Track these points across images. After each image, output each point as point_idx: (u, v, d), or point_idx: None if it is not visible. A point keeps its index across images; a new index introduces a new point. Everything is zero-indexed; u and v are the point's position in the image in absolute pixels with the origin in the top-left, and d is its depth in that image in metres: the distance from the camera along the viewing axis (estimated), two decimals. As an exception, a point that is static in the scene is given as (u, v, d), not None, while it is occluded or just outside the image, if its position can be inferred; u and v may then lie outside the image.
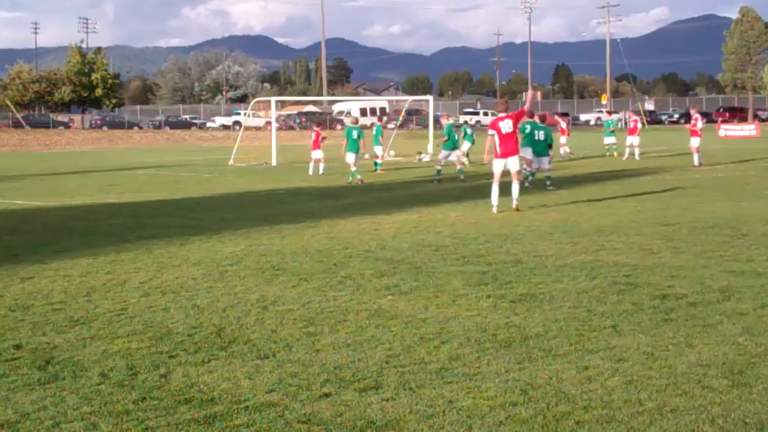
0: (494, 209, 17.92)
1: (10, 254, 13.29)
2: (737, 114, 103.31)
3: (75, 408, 6.24)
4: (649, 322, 8.41)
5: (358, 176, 26.92)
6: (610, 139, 40.55)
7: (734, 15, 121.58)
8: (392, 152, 42.05)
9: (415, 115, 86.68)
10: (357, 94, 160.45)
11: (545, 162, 24.59)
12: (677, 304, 9.12)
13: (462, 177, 27.57)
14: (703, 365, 6.97)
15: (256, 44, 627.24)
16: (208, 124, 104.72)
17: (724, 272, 10.85)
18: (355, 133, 27.25)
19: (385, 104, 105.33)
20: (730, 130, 67.56)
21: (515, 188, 18.20)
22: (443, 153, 27.73)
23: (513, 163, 18.20)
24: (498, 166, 18.22)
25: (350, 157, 27.23)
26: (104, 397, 6.48)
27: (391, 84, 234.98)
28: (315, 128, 34.94)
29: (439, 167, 27.72)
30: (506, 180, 18.33)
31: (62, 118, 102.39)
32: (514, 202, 18.14)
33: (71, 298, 9.99)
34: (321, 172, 30.61)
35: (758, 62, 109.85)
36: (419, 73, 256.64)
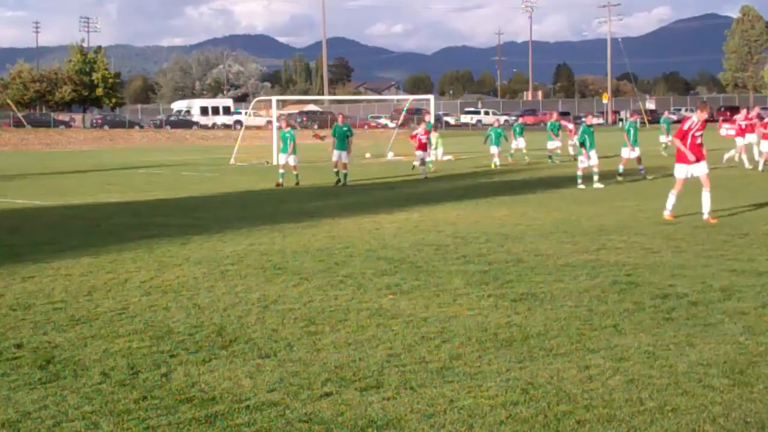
0: (668, 213, 16.40)
1: (11, 253, 13.31)
2: (738, 113, 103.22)
3: (76, 407, 6.24)
4: (650, 321, 8.41)
5: (280, 179, 26.32)
6: (665, 138, 39.61)
7: (735, 14, 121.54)
8: (391, 153, 42.03)
9: (417, 114, 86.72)
10: (358, 93, 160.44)
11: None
12: (678, 304, 9.12)
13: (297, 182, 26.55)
14: (704, 364, 6.97)
15: (258, 43, 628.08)
16: (210, 123, 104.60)
17: (725, 271, 10.85)
18: (288, 136, 26.42)
19: (229, 103, 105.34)
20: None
21: (706, 198, 16.08)
22: (335, 154, 26.80)
23: (700, 169, 16.49)
24: (682, 172, 16.54)
25: (282, 158, 26.79)
26: (105, 396, 6.48)
27: (392, 83, 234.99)
28: (418, 129, 31.32)
29: (282, 170, 26.76)
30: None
31: (63, 117, 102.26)
32: (706, 215, 16.03)
33: (72, 297, 10.00)
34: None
35: (759, 61, 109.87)
36: (420, 73, 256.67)
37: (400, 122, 59.09)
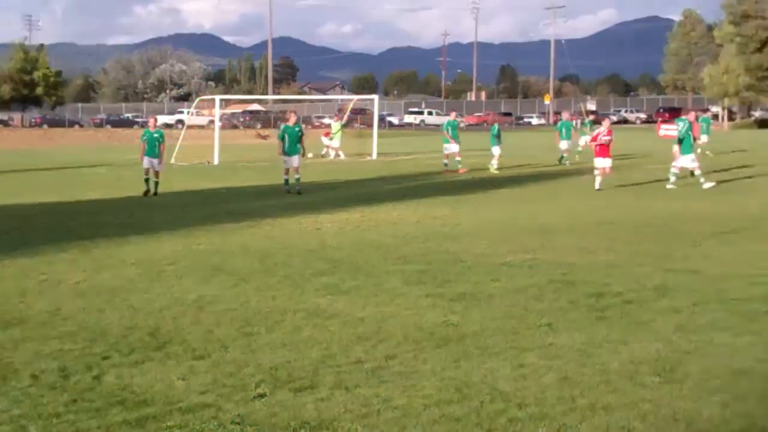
0: None
1: (-58, 255, 13.02)
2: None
3: (4, 411, 6.13)
4: (584, 319, 8.50)
5: (147, 186, 23.30)
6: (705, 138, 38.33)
7: (677, 17, 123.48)
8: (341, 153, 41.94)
9: (360, 114, 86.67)
10: (303, 93, 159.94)
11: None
12: (612, 302, 9.23)
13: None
14: (635, 362, 7.06)
15: (203, 42, 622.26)
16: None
17: (659, 270, 11.01)
18: (156, 137, 23.44)
19: None
20: (670, 130, 68.38)
21: None
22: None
23: None
24: None
25: (146, 162, 23.44)
26: (34, 399, 6.37)
27: (337, 83, 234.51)
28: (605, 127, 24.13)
29: (146, 176, 23.31)
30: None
31: (1, 116, 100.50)
32: None
33: (4, 299, 9.81)
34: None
35: (699, 63, 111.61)
36: (366, 73, 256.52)
37: (344, 122, 58.89)
